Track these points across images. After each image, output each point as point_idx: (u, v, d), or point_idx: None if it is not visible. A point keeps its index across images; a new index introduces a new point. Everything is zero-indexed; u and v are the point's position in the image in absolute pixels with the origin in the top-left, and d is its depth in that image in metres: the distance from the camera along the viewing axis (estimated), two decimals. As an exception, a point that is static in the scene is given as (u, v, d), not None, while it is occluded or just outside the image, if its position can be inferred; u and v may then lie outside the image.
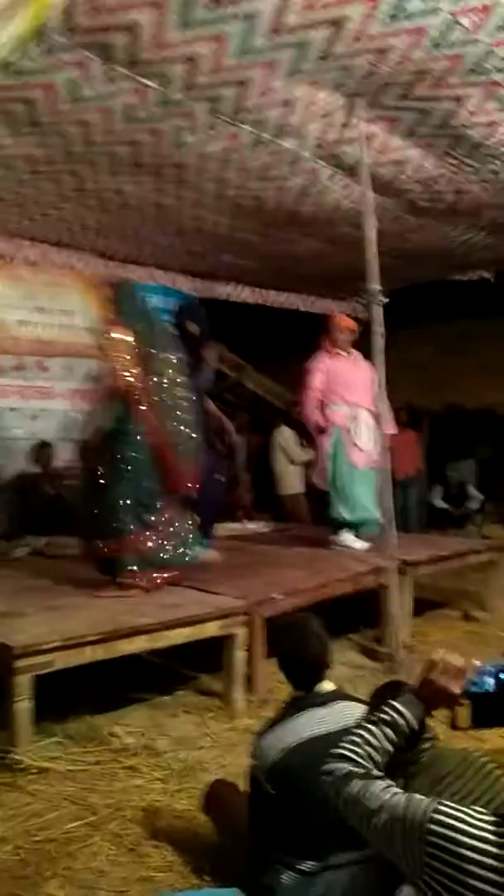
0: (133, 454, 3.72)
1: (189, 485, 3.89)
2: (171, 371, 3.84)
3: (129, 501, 3.71)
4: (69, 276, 6.23)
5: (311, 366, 5.09)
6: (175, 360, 3.90)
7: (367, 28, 2.99)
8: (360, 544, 4.94)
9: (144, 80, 3.33)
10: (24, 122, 3.66)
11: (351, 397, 4.93)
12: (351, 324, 5.14)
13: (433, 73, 3.37)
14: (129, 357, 3.70)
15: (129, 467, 3.71)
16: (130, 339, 3.74)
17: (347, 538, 4.97)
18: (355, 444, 4.89)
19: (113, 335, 3.76)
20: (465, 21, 2.98)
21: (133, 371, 3.69)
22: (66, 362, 6.30)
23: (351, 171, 4.38)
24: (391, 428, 4.31)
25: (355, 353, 5.07)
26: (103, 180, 4.45)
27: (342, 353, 5.06)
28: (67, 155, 4.07)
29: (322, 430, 5.05)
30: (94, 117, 3.65)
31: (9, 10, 2.21)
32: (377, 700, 1.64)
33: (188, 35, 2.98)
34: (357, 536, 4.99)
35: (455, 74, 3.38)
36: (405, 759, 1.62)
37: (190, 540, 3.93)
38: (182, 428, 3.81)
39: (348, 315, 6.81)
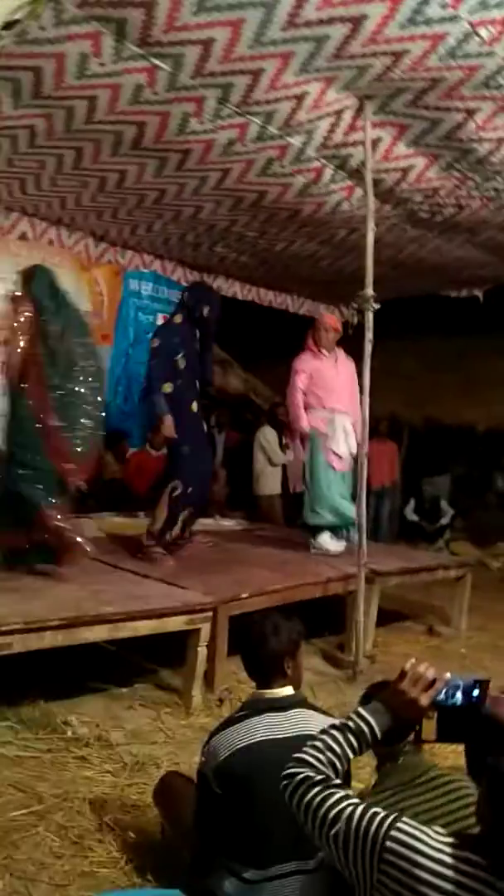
0: (20, 437, 3.64)
1: (78, 477, 3.76)
2: (72, 356, 3.73)
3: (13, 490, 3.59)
4: (61, 255, 6.13)
5: (296, 366, 5.07)
6: (82, 345, 3.80)
7: (385, 29, 2.95)
8: (335, 545, 4.95)
9: (156, 61, 3.26)
10: (30, 93, 3.57)
11: (329, 402, 4.94)
12: (336, 323, 5.15)
13: (446, 83, 3.35)
14: (20, 329, 3.64)
15: (18, 450, 3.62)
16: (29, 312, 3.66)
17: (324, 541, 4.97)
18: (332, 449, 4.89)
19: (12, 304, 3.69)
20: (483, 32, 2.96)
21: (23, 345, 3.62)
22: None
23: (354, 173, 4.35)
24: (366, 446, 4.28)
25: (339, 352, 5.08)
26: (105, 160, 4.37)
27: (325, 352, 5.04)
28: (71, 130, 3.98)
29: (303, 434, 5.05)
30: (102, 94, 3.57)
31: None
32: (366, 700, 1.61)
33: (204, 18, 2.92)
34: (334, 536, 4.98)
35: (467, 86, 3.36)
36: (387, 753, 1.60)
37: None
38: (79, 415, 3.69)
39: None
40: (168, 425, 4.48)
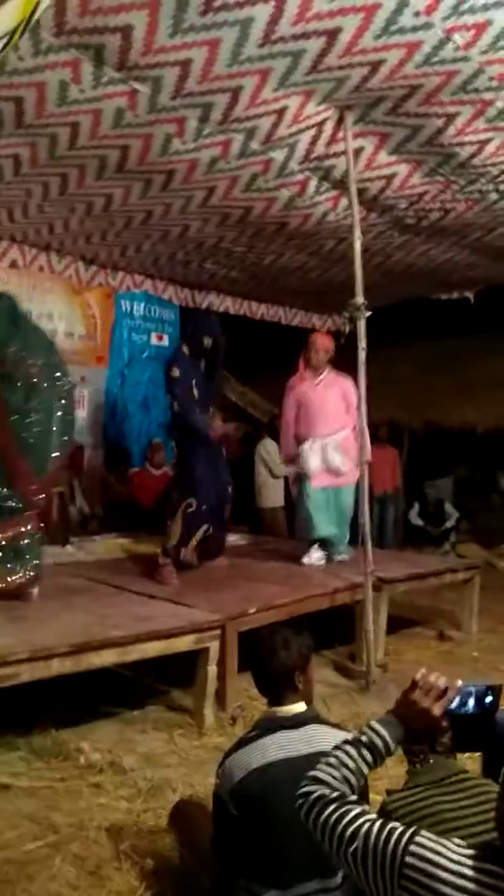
0: None
1: (36, 496, 3.77)
2: (33, 377, 3.74)
3: None
4: (52, 280, 6.16)
5: (288, 384, 5.08)
6: (48, 366, 3.81)
7: (360, 40, 2.98)
8: (316, 556, 4.97)
9: (136, 84, 3.29)
10: (12, 122, 3.60)
11: (317, 430, 4.92)
12: (327, 344, 5.07)
13: (424, 89, 3.37)
14: None
15: None
16: None
17: (311, 553, 5.00)
18: (327, 470, 4.87)
19: None
20: (457, 38, 2.98)
21: None
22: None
23: (338, 184, 4.38)
24: (368, 454, 4.29)
25: (329, 372, 5.00)
26: (90, 184, 4.40)
27: (315, 374, 5.00)
28: (55, 157, 4.01)
29: (292, 461, 5.10)
30: (84, 119, 3.60)
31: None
32: None
33: (181, 39, 2.95)
34: (320, 549, 5.00)
35: (445, 91, 3.39)
36: (418, 753, 1.58)
37: (26, 557, 3.78)
38: (42, 436, 3.70)
39: (329, 330, 6.84)
40: (217, 427, 4.73)
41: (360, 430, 4.26)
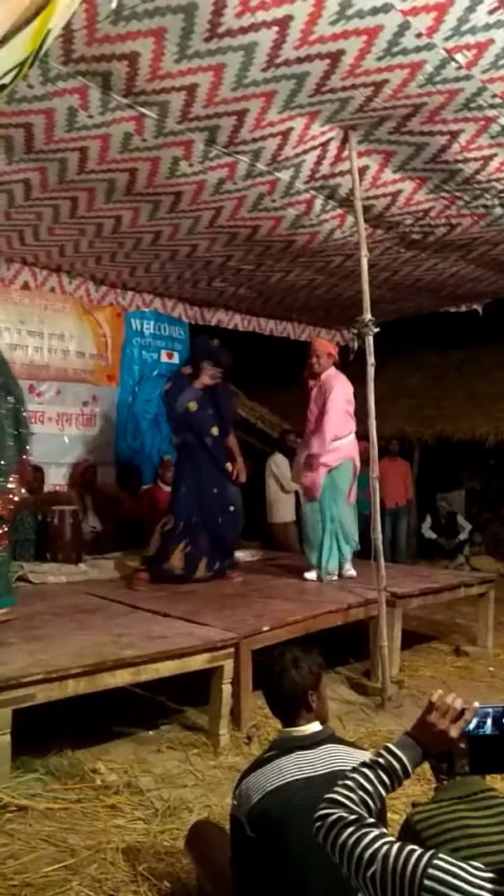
0: None
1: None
2: None
3: None
4: (63, 301, 6.23)
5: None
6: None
7: (363, 62, 3.02)
8: (309, 575, 4.96)
9: (143, 110, 3.35)
10: (23, 148, 3.67)
11: (304, 437, 4.95)
12: (326, 347, 5.06)
13: (427, 108, 3.41)
14: None
15: None
16: None
17: (308, 572, 5.00)
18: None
19: None
20: (459, 57, 3.02)
21: None
22: (58, 386, 6.26)
23: (344, 202, 4.42)
24: (376, 469, 4.23)
25: (326, 376, 4.91)
26: (99, 207, 4.46)
27: (312, 381, 4.95)
28: (65, 181, 4.08)
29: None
30: (93, 144, 3.66)
31: (8, 36, 2.20)
32: None
33: (186, 65, 3.00)
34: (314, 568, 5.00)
35: (449, 109, 3.42)
36: (445, 769, 1.57)
37: None
38: None
39: (338, 345, 6.85)
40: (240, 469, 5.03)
41: (372, 442, 4.24)
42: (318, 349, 4.99)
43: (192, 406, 4.83)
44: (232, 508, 5.00)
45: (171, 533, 4.79)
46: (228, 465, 5.00)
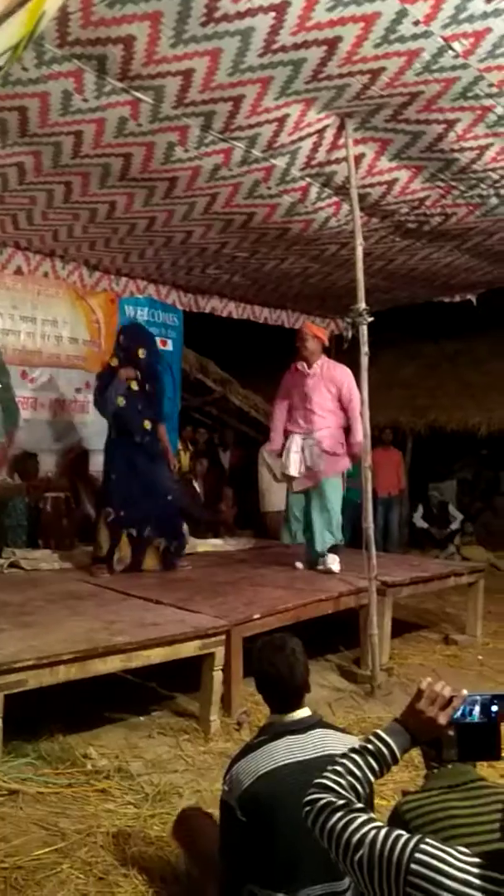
0: None
1: None
2: None
3: None
4: (56, 286, 6.19)
5: (282, 380, 5.09)
6: None
7: (360, 49, 3.00)
8: (298, 565, 4.99)
9: (138, 94, 3.31)
10: (17, 131, 3.63)
11: (298, 425, 4.92)
12: (314, 330, 5.05)
13: (424, 96, 3.39)
14: None
15: None
16: None
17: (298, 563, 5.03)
18: (306, 472, 4.88)
19: None
20: (456, 46, 3.00)
21: None
22: (51, 373, 6.24)
23: (340, 190, 4.40)
24: (369, 458, 4.25)
25: (321, 363, 4.92)
26: (94, 192, 4.43)
27: (303, 366, 4.95)
28: (59, 166, 4.04)
29: (279, 455, 5.13)
30: (87, 129, 3.63)
31: (3, 18, 2.18)
32: None
33: (182, 50, 2.97)
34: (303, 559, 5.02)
35: (445, 98, 3.40)
36: (435, 757, 1.59)
37: None
38: None
39: (332, 333, 6.85)
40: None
41: (365, 432, 4.26)
42: (304, 332, 5.02)
43: (121, 401, 4.77)
44: (169, 497, 4.98)
45: (116, 522, 4.72)
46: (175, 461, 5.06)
